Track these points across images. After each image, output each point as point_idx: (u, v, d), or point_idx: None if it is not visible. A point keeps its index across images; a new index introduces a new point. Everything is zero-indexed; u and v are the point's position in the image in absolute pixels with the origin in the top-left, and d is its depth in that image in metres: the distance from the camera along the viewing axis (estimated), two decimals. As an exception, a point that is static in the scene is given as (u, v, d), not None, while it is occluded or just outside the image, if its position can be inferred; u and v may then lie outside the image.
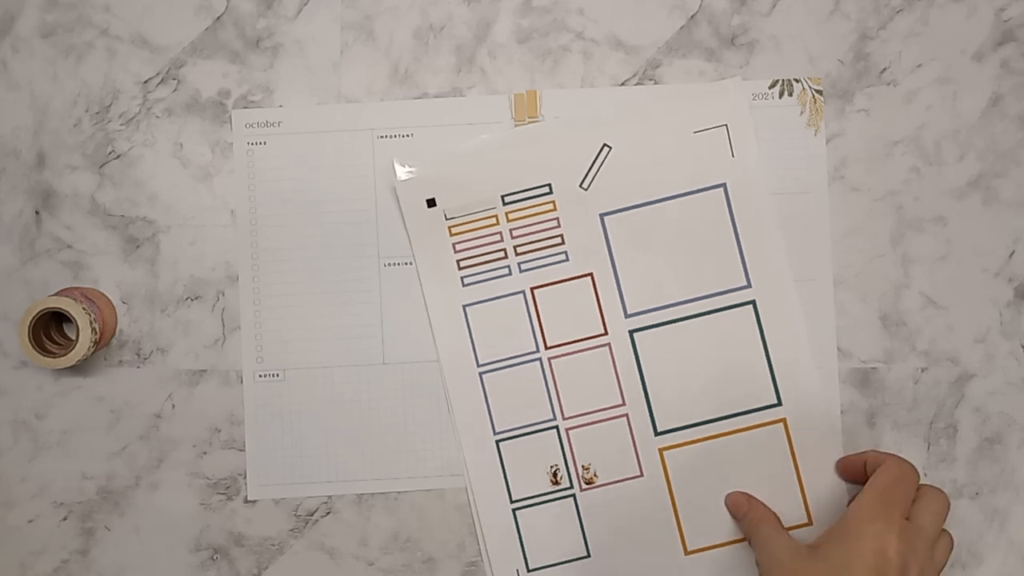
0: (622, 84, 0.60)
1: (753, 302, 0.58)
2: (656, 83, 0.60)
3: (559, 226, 0.59)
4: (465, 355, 0.59)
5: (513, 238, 0.59)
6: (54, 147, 0.59)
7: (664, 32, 0.60)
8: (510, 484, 0.59)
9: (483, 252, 0.59)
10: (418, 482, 0.60)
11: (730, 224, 0.59)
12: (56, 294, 0.57)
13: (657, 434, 0.59)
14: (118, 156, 0.60)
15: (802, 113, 0.60)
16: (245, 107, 0.60)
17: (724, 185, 0.58)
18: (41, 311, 0.55)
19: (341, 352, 0.60)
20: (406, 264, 0.60)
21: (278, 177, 0.60)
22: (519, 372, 0.59)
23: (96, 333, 0.55)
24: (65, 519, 0.60)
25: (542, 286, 0.59)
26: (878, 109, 0.60)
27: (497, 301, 0.59)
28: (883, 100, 0.60)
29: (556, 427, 0.59)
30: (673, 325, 0.59)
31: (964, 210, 0.60)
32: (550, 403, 0.59)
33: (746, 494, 0.58)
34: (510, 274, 0.59)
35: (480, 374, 0.59)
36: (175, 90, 0.60)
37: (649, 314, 0.59)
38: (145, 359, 0.60)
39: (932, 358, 0.60)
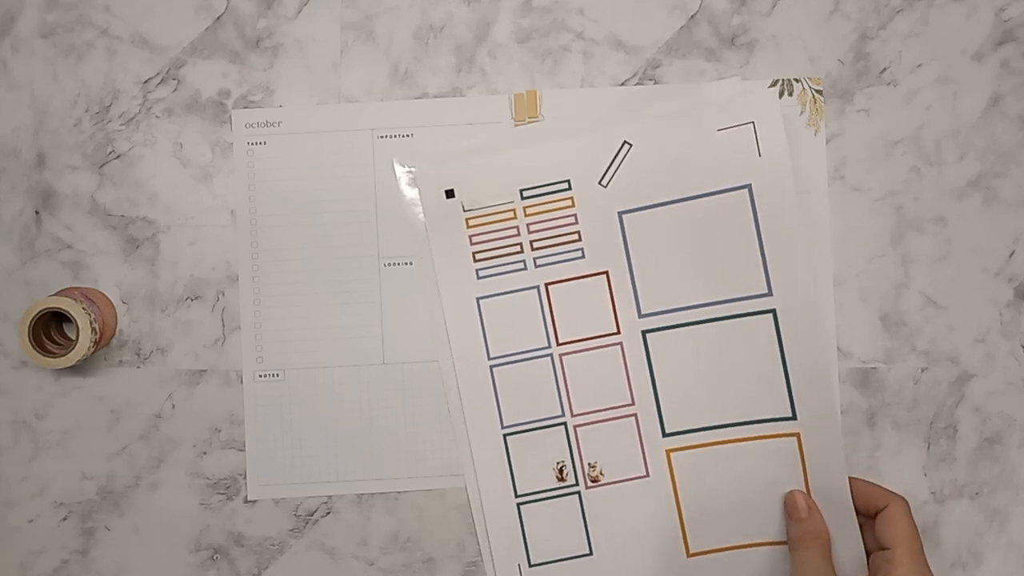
0: (622, 84, 0.60)
1: (773, 311, 0.57)
2: (656, 83, 0.60)
3: (576, 223, 0.58)
4: (476, 348, 0.58)
5: (530, 233, 0.58)
6: (54, 147, 0.59)
7: (664, 32, 0.60)
8: (516, 479, 0.58)
9: (499, 246, 0.58)
10: (418, 482, 0.60)
11: (753, 228, 0.57)
12: (56, 294, 0.57)
13: (665, 435, 0.58)
14: (118, 156, 0.60)
15: (802, 113, 0.60)
16: (245, 107, 0.60)
17: (749, 186, 0.57)
18: (41, 311, 0.55)
19: (341, 352, 0.60)
20: (406, 264, 0.60)
21: (278, 177, 0.60)
22: (529, 367, 0.58)
23: (96, 333, 0.55)
24: (65, 519, 0.60)
25: (557, 282, 0.58)
26: (878, 109, 0.60)
27: (511, 295, 0.58)
28: (883, 100, 0.60)
29: (564, 424, 0.58)
30: (687, 328, 0.58)
31: (964, 210, 0.60)
32: (559, 399, 0.58)
33: (808, 498, 0.56)
34: (525, 269, 0.58)
35: (491, 367, 0.59)
36: (175, 90, 0.60)
37: (663, 315, 0.58)
38: (145, 359, 0.60)
39: (932, 358, 0.60)
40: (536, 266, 0.58)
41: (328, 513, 0.60)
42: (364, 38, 0.60)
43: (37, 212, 0.59)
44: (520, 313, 0.58)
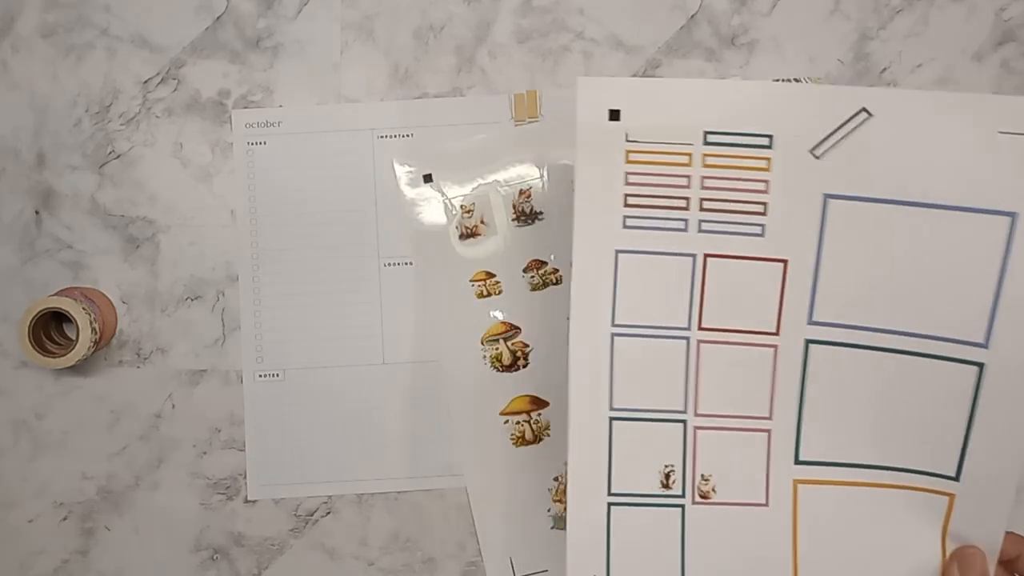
0: (622, 84, 0.60)
1: (981, 366, 0.46)
2: (656, 83, 0.60)
3: (766, 191, 0.46)
4: (601, 308, 0.47)
5: (703, 188, 0.46)
6: (54, 147, 0.59)
7: (664, 32, 0.60)
8: (613, 472, 0.48)
9: (661, 194, 0.47)
10: (418, 482, 0.60)
11: (998, 265, 0.45)
12: (56, 294, 0.57)
13: (798, 462, 0.48)
14: (118, 156, 0.60)
15: (803, 113, 0.59)
16: (245, 107, 0.60)
17: (1014, 216, 0.45)
18: (41, 311, 0.55)
19: (341, 352, 0.60)
20: (406, 264, 0.60)
21: (278, 177, 0.60)
22: (659, 346, 0.48)
23: (96, 333, 0.55)
24: (65, 519, 0.60)
25: (720, 256, 0.47)
26: (878, 109, 0.60)
27: (659, 257, 0.47)
28: (883, 100, 0.60)
29: (684, 422, 0.49)
30: (863, 351, 0.47)
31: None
32: (684, 392, 0.48)
33: (985, 562, 0.46)
34: (685, 230, 0.47)
35: (612, 335, 0.48)
36: (175, 90, 0.60)
37: (838, 329, 0.47)
38: (145, 359, 0.60)
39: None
40: (700, 230, 0.47)
41: (328, 513, 0.60)
42: (364, 38, 0.60)
43: (37, 212, 0.59)
44: (664, 280, 0.47)
